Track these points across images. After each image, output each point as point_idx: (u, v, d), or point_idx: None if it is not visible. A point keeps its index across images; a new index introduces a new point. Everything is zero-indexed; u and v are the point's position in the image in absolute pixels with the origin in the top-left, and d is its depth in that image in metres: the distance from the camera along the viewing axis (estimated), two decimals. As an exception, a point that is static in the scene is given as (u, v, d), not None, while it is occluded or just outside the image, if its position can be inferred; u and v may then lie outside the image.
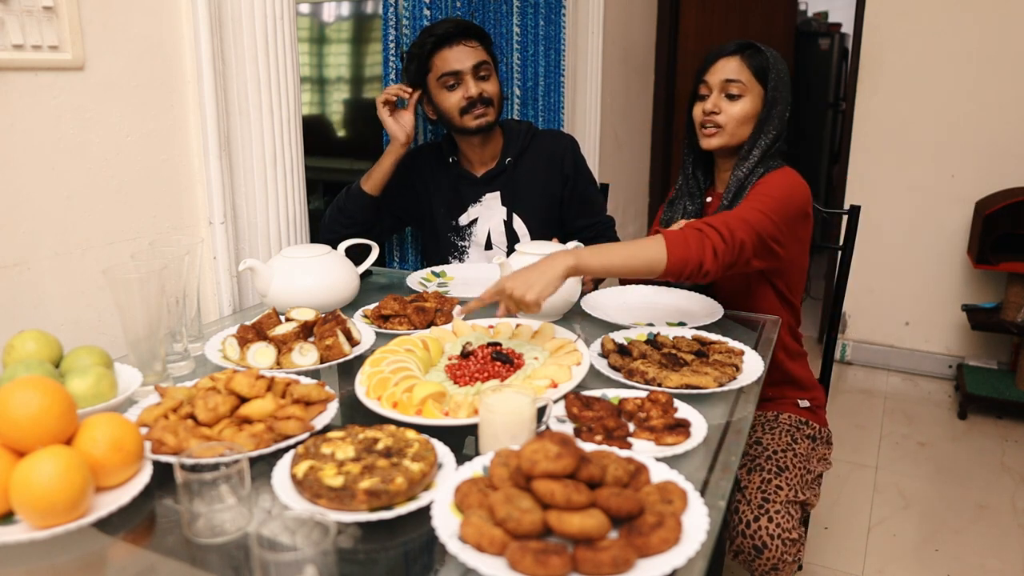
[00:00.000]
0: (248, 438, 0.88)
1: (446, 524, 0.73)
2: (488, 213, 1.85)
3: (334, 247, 1.51)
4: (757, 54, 1.50)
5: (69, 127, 1.21)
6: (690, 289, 1.55)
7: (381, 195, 1.77)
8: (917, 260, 3.26)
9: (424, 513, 0.77)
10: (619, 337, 1.27)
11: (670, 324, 1.37)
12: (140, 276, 1.03)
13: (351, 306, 1.48)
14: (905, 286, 3.32)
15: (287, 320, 1.26)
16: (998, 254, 2.91)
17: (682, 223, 1.44)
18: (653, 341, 1.25)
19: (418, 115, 1.82)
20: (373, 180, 1.75)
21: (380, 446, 0.86)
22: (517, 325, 1.29)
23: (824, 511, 2.30)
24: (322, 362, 1.16)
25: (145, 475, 0.83)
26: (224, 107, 1.45)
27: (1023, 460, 2.61)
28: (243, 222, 1.55)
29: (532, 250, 1.40)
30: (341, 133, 2.96)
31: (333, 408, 0.99)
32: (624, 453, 0.85)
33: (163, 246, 1.25)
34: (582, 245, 1.52)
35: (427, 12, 1.94)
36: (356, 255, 1.57)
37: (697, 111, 1.55)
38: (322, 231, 1.80)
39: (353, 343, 1.23)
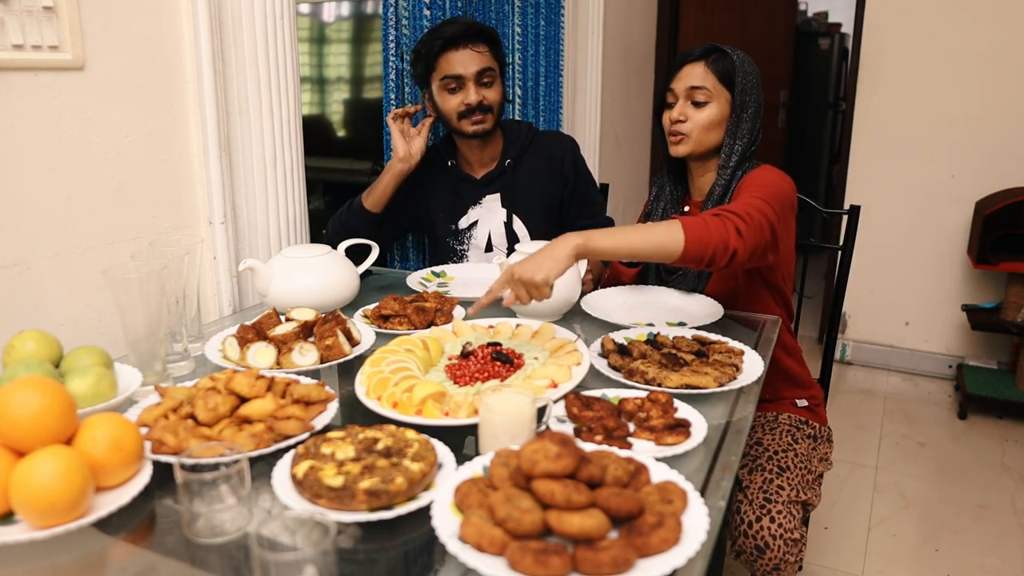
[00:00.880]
0: (248, 438, 0.88)
1: (446, 524, 0.73)
2: (488, 215, 1.85)
3: (334, 247, 1.51)
4: (722, 59, 1.48)
5: (69, 127, 1.21)
6: (691, 290, 1.55)
7: (383, 210, 1.76)
8: (917, 260, 3.26)
9: (424, 513, 0.77)
10: (619, 337, 1.27)
11: (670, 324, 1.37)
12: (140, 276, 1.03)
13: (351, 306, 1.48)
14: (905, 286, 3.32)
15: (287, 320, 1.26)
16: (998, 254, 2.91)
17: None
18: (653, 341, 1.25)
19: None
20: (374, 198, 1.75)
21: (380, 446, 0.86)
22: (517, 325, 1.29)
23: (824, 511, 2.30)
24: (322, 362, 1.16)
25: (145, 475, 0.83)
26: (224, 107, 1.45)
27: (1023, 460, 2.61)
28: (243, 222, 1.55)
29: (532, 249, 1.40)
30: (341, 133, 2.96)
31: (333, 408, 0.99)
32: (624, 453, 0.85)
33: (163, 246, 1.25)
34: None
35: (427, 12, 1.94)
36: (356, 255, 1.57)
37: (665, 119, 1.55)
38: (325, 242, 1.79)
39: (353, 343, 1.23)
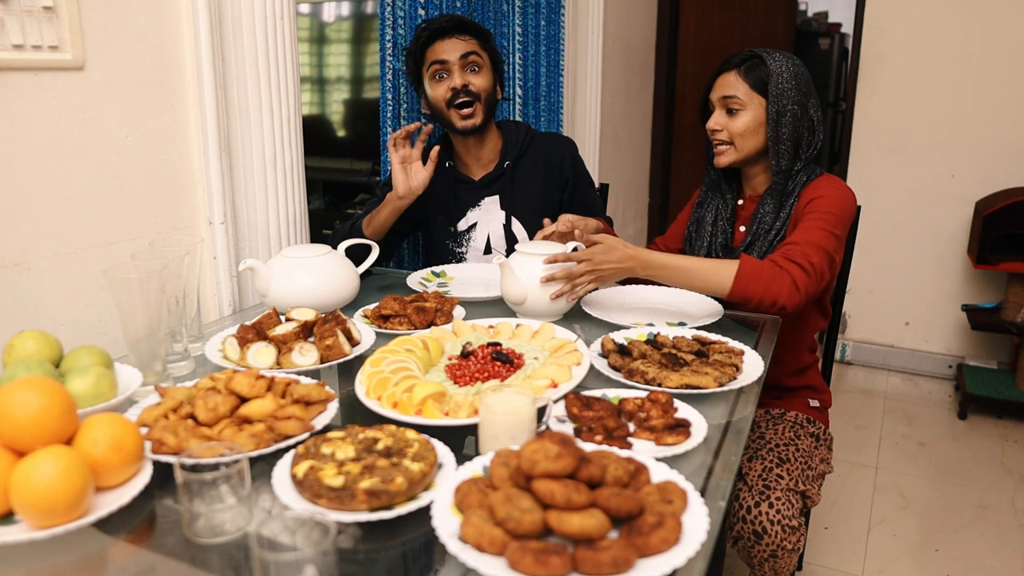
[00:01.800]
0: (248, 438, 0.88)
1: (446, 524, 0.73)
2: (487, 217, 1.84)
3: (334, 247, 1.51)
4: (757, 67, 1.50)
5: (69, 127, 1.21)
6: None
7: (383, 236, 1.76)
8: (917, 260, 3.26)
9: (424, 513, 0.77)
10: (619, 337, 1.27)
11: (670, 324, 1.37)
12: (140, 276, 1.03)
13: (351, 306, 1.48)
14: (905, 286, 3.32)
15: (287, 320, 1.26)
16: (998, 254, 2.91)
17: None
18: (653, 341, 1.25)
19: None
20: (374, 228, 1.71)
21: (380, 446, 0.86)
22: (517, 325, 1.29)
23: (824, 511, 2.30)
24: (322, 362, 1.16)
25: (145, 475, 0.83)
26: (224, 107, 1.45)
27: (1023, 460, 2.61)
28: (243, 222, 1.55)
29: (533, 250, 1.40)
30: (341, 133, 2.96)
31: (333, 408, 0.99)
32: (624, 453, 0.85)
33: (163, 246, 1.25)
34: (582, 246, 1.53)
35: (422, 12, 1.94)
36: (356, 255, 1.57)
37: (707, 126, 1.58)
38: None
39: (353, 343, 1.23)
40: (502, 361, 1.13)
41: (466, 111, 1.72)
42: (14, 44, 1.10)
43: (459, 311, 1.41)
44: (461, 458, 0.87)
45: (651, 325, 1.35)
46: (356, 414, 1.04)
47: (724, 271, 1.36)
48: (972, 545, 2.14)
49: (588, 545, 0.67)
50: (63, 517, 0.74)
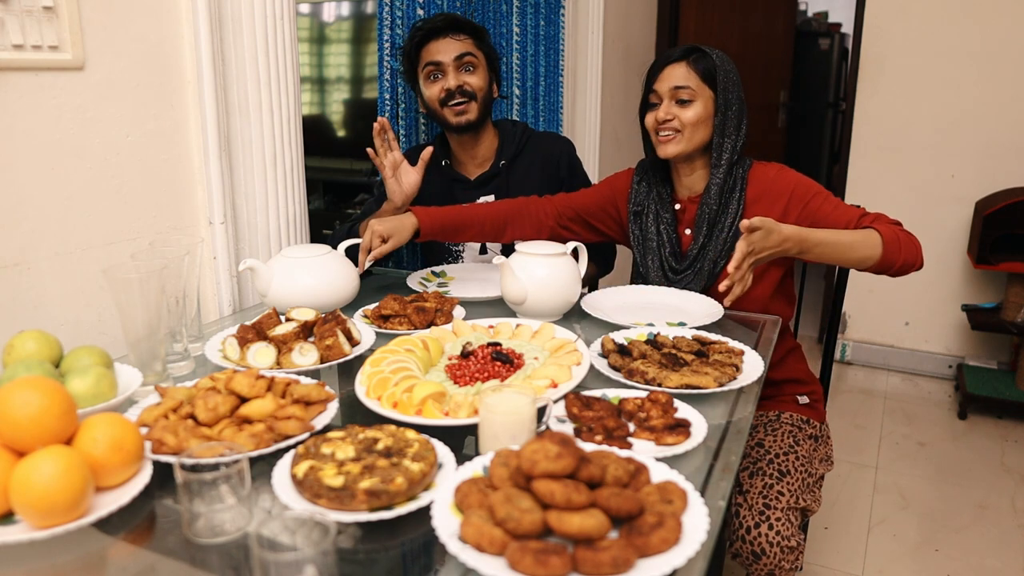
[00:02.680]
0: (248, 438, 0.88)
1: (446, 524, 0.73)
2: None
3: (334, 247, 1.51)
4: (703, 58, 1.50)
5: (69, 127, 1.21)
6: (700, 290, 1.56)
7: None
8: (917, 260, 3.26)
9: (424, 513, 0.77)
10: (619, 337, 1.27)
11: (670, 324, 1.37)
12: (140, 276, 1.03)
13: (351, 306, 1.48)
14: (905, 286, 3.31)
15: (287, 320, 1.26)
16: (998, 254, 2.91)
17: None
18: (653, 341, 1.25)
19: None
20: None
21: (380, 446, 0.86)
22: (517, 325, 1.29)
23: (824, 511, 2.30)
24: (322, 362, 1.16)
25: (145, 475, 0.83)
26: (224, 107, 1.45)
27: (1023, 460, 2.61)
28: (243, 222, 1.55)
29: (533, 250, 1.40)
30: (341, 133, 2.96)
31: (333, 408, 0.99)
32: (624, 453, 0.85)
33: (163, 246, 1.25)
34: (582, 247, 1.53)
35: (420, 12, 1.94)
36: (356, 255, 1.56)
37: (650, 120, 1.55)
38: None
39: (353, 343, 1.23)
40: (502, 361, 1.13)
41: (459, 107, 1.73)
42: (14, 44, 1.10)
43: (459, 311, 1.41)
44: (461, 458, 0.87)
45: (651, 325, 1.35)
46: (356, 414, 1.04)
47: (871, 240, 1.40)
48: (972, 545, 2.14)
49: (588, 545, 0.67)
50: (63, 517, 0.74)
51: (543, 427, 0.93)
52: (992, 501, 2.36)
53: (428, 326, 1.33)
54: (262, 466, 0.87)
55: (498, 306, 1.49)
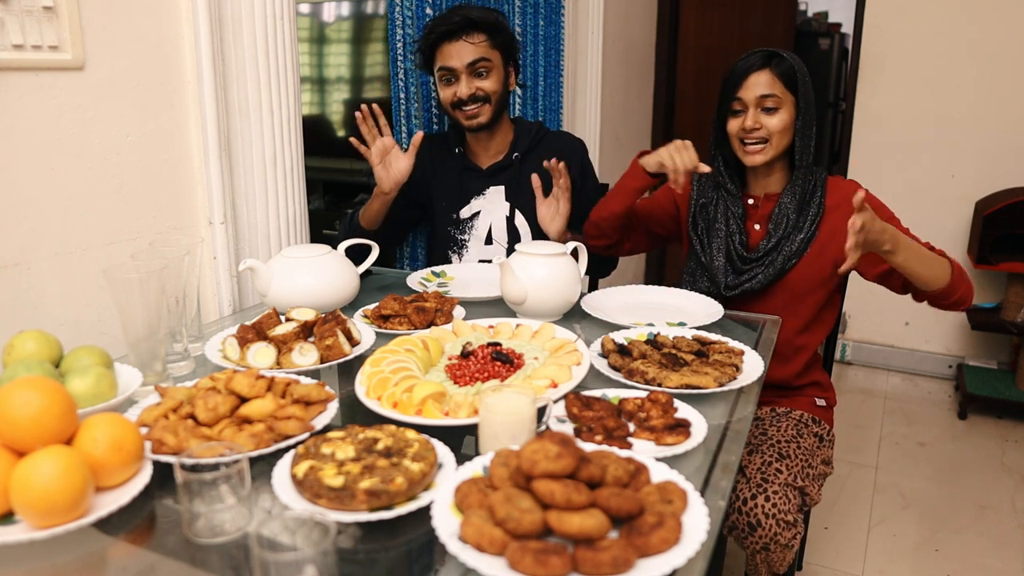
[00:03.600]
0: (248, 438, 0.88)
1: (446, 524, 0.73)
2: (491, 207, 1.85)
3: (334, 247, 1.51)
4: (783, 62, 1.52)
5: (69, 127, 1.21)
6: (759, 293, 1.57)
7: (381, 225, 1.76)
8: (917, 260, 3.26)
9: (424, 513, 0.77)
10: (619, 337, 1.27)
11: (670, 324, 1.37)
12: (140, 276, 1.03)
13: (351, 306, 1.48)
14: (905, 286, 3.31)
15: (287, 320, 1.26)
16: (998, 254, 2.91)
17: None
18: (653, 341, 1.25)
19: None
20: (367, 219, 1.74)
21: (380, 446, 0.86)
22: (517, 325, 1.29)
23: (824, 511, 2.30)
24: (322, 362, 1.16)
25: (145, 475, 0.83)
26: (224, 107, 1.45)
27: (1023, 460, 2.61)
28: (243, 222, 1.55)
29: (533, 250, 1.40)
30: (341, 133, 2.96)
31: (333, 408, 0.99)
32: (624, 453, 0.85)
33: (163, 246, 1.25)
34: (582, 246, 1.53)
35: (429, 11, 1.95)
36: (356, 255, 1.57)
37: (734, 126, 1.56)
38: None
39: (353, 343, 1.23)
40: (502, 361, 1.13)
41: (471, 111, 1.74)
42: (14, 44, 1.10)
43: (459, 311, 1.41)
44: (461, 458, 0.87)
45: (651, 325, 1.35)
46: (356, 414, 1.04)
47: (943, 265, 1.45)
48: (972, 545, 2.14)
49: (588, 545, 0.67)
50: (63, 517, 0.74)
51: (543, 427, 0.93)
52: (992, 501, 2.36)
53: (428, 326, 1.33)
54: (262, 466, 0.87)
55: (498, 306, 1.49)
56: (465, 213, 1.86)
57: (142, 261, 1.11)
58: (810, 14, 5.42)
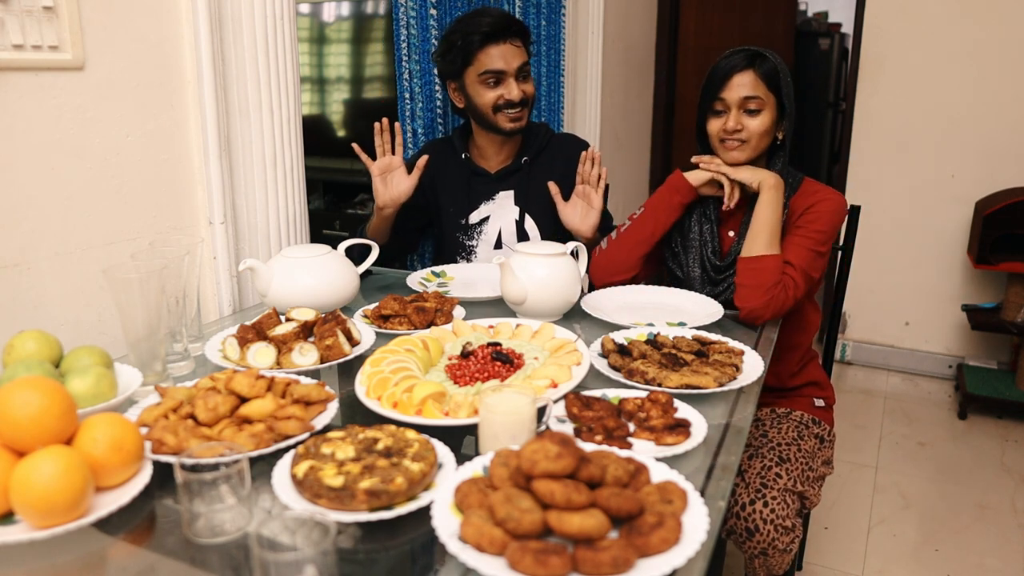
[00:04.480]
0: (248, 438, 0.88)
1: (446, 524, 0.73)
2: (500, 212, 1.84)
3: (334, 247, 1.51)
4: (766, 63, 1.51)
5: (69, 127, 1.21)
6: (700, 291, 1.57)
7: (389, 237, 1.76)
8: (917, 260, 3.26)
9: (424, 513, 0.77)
10: (619, 337, 1.27)
11: (670, 324, 1.37)
12: (140, 276, 1.03)
13: (351, 306, 1.48)
14: (905, 286, 3.32)
15: (287, 320, 1.26)
16: (998, 254, 2.91)
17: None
18: (653, 341, 1.25)
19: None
20: (374, 234, 1.74)
21: (380, 446, 0.86)
22: (517, 325, 1.29)
23: (824, 511, 2.30)
24: (322, 362, 1.16)
25: (145, 475, 0.83)
26: (224, 107, 1.45)
27: (1023, 460, 2.61)
28: (243, 222, 1.55)
29: (533, 250, 1.40)
30: (341, 133, 2.96)
31: (333, 408, 0.99)
32: (624, 453, 0.85)
33: (163, 246, 1.25)
34: (582, 246, 1.53)
35: (433, 12, 1.95)
36: (356, 255, 1.57)
37: (714, 127, 1.55)
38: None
39: (353, 343, 1.23)
40: (502, 361, 1.13)
41: (516, 114, 1.73)
42: (14, 44, 1.10)
43: (459, 311, 1.41)
44: (461, 458, 0.87)
45: (651, 325, 1.35)
46: (356, 414, 1.04)
47: (764, 265, 1.44)
48: (972, 545, 2.14)
49: (588, 545, 0.67)
50: (63, 517, 0.74)
51: (543, 427, 0.93)
52: (992, 501, 2.36)
53: (428, 326, 1.33)
54: (262, 466, 0.87)
55: (498, 306, 1.49)
56: (474, 218, 1.85)
57: (142, 261, 1.10)
58: (810, 14, 5.43)
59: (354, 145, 1.65)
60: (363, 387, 1.05)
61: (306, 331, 1.23)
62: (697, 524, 0.73)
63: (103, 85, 1.25)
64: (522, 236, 1.84)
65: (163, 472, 0.85)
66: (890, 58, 3.16)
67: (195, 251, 1.25)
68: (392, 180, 1.67)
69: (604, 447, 0.86)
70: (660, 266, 1.73)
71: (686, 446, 0.92)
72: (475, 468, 0.83)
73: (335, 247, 1.51)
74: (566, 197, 1.76)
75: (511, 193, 1.83)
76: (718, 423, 1.01)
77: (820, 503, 1.91)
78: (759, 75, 1.50)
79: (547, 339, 1.23)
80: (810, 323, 1.63)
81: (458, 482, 0.79)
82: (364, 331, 1.29)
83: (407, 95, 1.94)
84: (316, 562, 0.64)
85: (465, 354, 1.17)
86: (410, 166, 1.71)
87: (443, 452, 0.88)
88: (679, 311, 1.48)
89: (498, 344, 1.19)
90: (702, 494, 0.82)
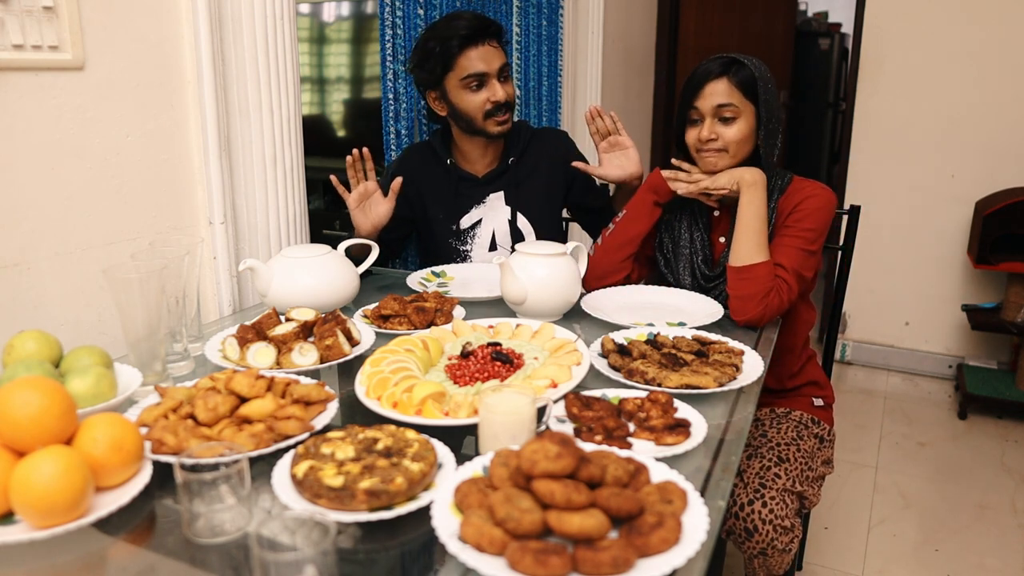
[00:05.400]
0: (248, 438, 0.88)
1: (446, 524, 0.73)
2: (492, 214, 1.84)
3: (334, 247, 1.51)
4: (742, 70, 1.47)
5: (69, 127, 1.21)
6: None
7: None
8: (917, 260, 3.26)
9: (424, 513, 0.77)
10: (619, 337, 1.27)
11: (670, 324, 1.37)
12: (140, 276, 1.03)
13: (351, 306, 1.48)
14: (905, 286, 3.32)
15: (287, 320, 1.26)
16: (998, 254, 2.91)
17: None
18: (653, 341, 1.25)
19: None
20: (356, 254, 1.66)
21: (380, 446, 0.86)
22: (517, 325, 1.29)
23: (824, 511, 2.30)
24: (322, 362, 1.16)
25: (145, 475, 0.83)
26: (224, 107, 1.45)
27: (1023, 460, 2.61)
28: (243, 222, 1.55)
29: (533, 250, 1.40)
30: (341, 133, 2.96)
31: (333, 408, 0.99)
32: (624, 453, 0.85)
33: (163, 246, 1.25)
34: (582, 246, 1.53)
35: (421, 12, 1.94)
36: (356, 256, 1.57)
37: (691, 136, 1.52)
38: None
39: (353, 343, 1.23)
40: (502, 361, 1.13)
41: (503, 117, 1.72)
42: (14, 44, 1.10)
43: (459, 311, 1.41)
44: (461, 458, 0.87)
45: (651, 325, 1.35)
46: (356, 414, 1.04)
47: (756, 273, 1.41)
48: (972, 545, 2.14)
49: (588, 545, 0.67)
50: (63, 517, 0.74)
51: (543, 427, 0.93)
52: (992, 501, 2.36)
53: (428, 326, 1.33)
54: (262, 466, 0.87)
55: (498, 306, 1.49)
56: (466, 223, 1.84)
57: (142, 261, 1.10)
58: (810, 14, 5.43)
59: (332, 177, 1.63)
60: (363, 387, 1.05)
61: (306, 331, 1.23)
62: (697, 524, 0.73)
63: (103, 85, 1.25)
64: (516, 235, 1.84)
65: (163, 472, 0.85)
66: (890, 58, 3.16)
67: (195, 251, 1.25)
68: (370, 207, 1.65)
69: (604, 447, 0.86)
70: (650, 265, 1.73)
71: (686, 446, 0.92)
72: (475, 468, 0.83)
73: (335, 247, 1.51)
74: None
75: (501, 194, 1.83)
76: (718, 423, 1.01)
77: (820, 503, 1.91)
78: (733, 83, 1.46)
79: (547, 339, 1.23)
80: (805, 321, 1.62)
81: (458, 482, 0.79)
82: (364, 331, 1.29)
83: (391, 96, 1.93)
84: (316, 562, 0.64)
85: (465, 354, 1.17)
86: (387, 181, 1.69)
87: (443, 452, 0.88)
88: (679, 311, 1.48)
89: (498, 344, 1.19)
90: (702, 494, 0.82)
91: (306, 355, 1.15)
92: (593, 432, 0.94)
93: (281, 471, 0.84)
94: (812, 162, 5.33)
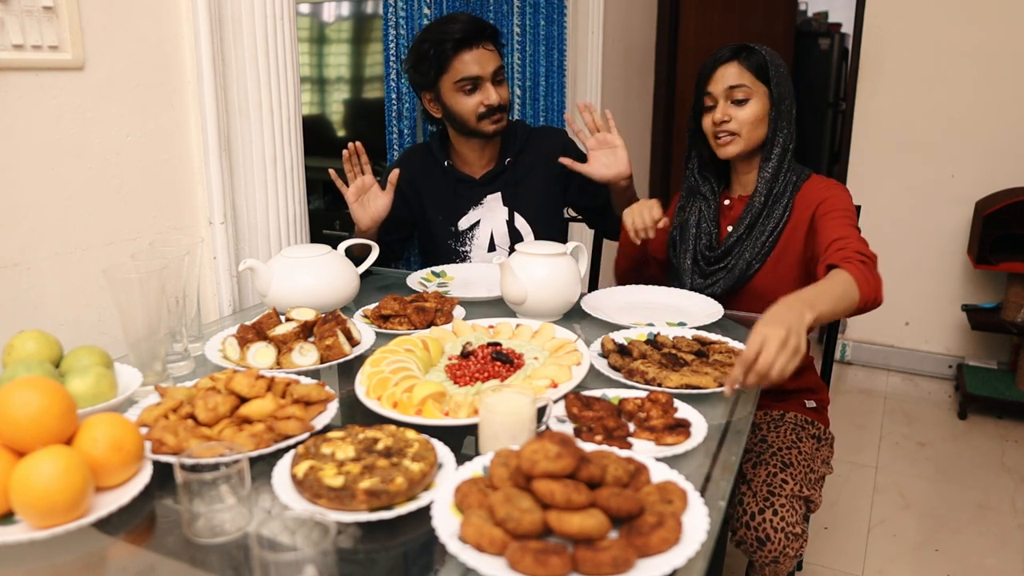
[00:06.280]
0: (248, 438, 0.88)
1: (446, 524, 0.73)
2: (490, 215, 1.84)
3: (334, 247, 1.51)
4: (753, 54, 1.51)
5: (69, 127, 1.21)
6: (733, 286, 1.56)
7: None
8: (917, 260, 3.26)
9: (424, 513, 0.77)
10: (619, 337, 1.27)
11: (670, 324, 1.37)
12: (140, 276, 1.03)
13: (351, 306, 1.48)
14: (905, 286, 3.31)
15: (287, 320, 1.26)
16: (998, 254, 2.91)
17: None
18: (653, 341, 1.25)
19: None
20: (357, 253, 1.67)
21: (380, 446, 0.86)
22: (517, 325, 1.29)
23: (824, 511, 2.30)
24: (322, 362, 1.16)
25: (145, 475, 0.83)
26: (224, 107, 1.45)
27: (1023, 460, 2.61)
28: (243, 222, 1.55)
29: (533, 250, 1.40)
30: (341, 133, 2.96)
31: (333, 408, 0.99)
32: (624, 453, 0.85)
33: (163, 246, 1.25)
34: (582, 246, 1.53)
35: (427, 11, 1.94)
36: (356, 256, 1.56)
37: (707, 122, 1.55)
38: None
39: (353, 343, 1.23)
40: (502, 361, 1.13)
41: (497, 117, 1.72)
42: (14, 44, 1.10)
43: (459, 311, 1.41)
44: (461, 458, 0.87)
45: (651, 325, 1.35)
46: (356, 414, 1.04)
47: (848, 284, 1.25)
48: (972, 545, 2.14)
49: (588, 545, 0.67)
50: (63, 517, 0.74)
51: (543, 427, 0.93)
52: (992, 501, 2.36)
53: (428, 326, 1.33)
54: (262, 466, 0.87)
55: (498, 306, 1.49)
56: (464, 224, 1.84)
57: (142, 261, 1.10)
58: (810, 14, 5.43)
59: (331, 171, 1.63)
60: (363, 387, 1.05)
61: (306, 331, 1.23)
62: (697, 524, 0.73)
63: (103, 85, 1.25)
64: (514, 236, 1.84)
65: (163, 472, 0.85)
66: (890, 58, 3.16)
67: (195, 251, 1.25)
68: (368, 200, 1.66)
69: (604, 447, 0.86)
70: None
71: (686, 446, 0.92)
72: (475, 468, 0.83)
73: (335, 247, 1.51)
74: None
75: (498, 195, 1.83)
76: (718, 423, 1.01)
77: (821, 504, 1.91)
78: (744, 65, 1.50)
79: (547, 339, 1.23)
80: None
81: (458, 482, 0.79)
82: (364, 331, 1.29)
83: (394, 95, 1.93)
84: (316, 562, 0.64)
85: (465, 354, 1.17)
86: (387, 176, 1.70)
87: (443, 452, 0.88)
88: (679, 311, 1.48)
89: (498, 344, 1.19)
90: (702, 494, 0.82)
91: (306, 355, 1.15)
92: (593, 432, 0.94)
93: (281, 471, 0.84)
94: (812, 162, 5.32)
